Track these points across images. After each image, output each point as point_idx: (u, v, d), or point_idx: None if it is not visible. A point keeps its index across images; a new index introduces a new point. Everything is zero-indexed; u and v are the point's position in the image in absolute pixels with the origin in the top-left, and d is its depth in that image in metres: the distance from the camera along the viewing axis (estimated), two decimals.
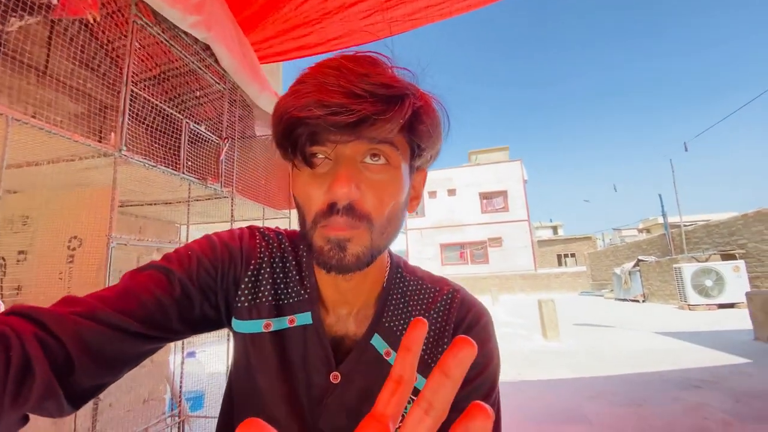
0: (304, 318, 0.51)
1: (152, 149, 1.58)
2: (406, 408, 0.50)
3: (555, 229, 42.66)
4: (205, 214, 2.53)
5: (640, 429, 2.57)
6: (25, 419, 0.35)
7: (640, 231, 32.75)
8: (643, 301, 12.64)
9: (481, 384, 0.50)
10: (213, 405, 2.70)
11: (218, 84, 2.08)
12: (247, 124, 2.75)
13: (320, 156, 0.42)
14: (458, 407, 0.52)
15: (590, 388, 3.51)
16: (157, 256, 2.67)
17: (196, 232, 2.58)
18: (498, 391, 0.53)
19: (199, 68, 1.97)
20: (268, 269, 0.52)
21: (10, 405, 0.32)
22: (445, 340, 0.52)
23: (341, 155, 0.42)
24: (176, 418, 2.79)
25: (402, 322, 0.53)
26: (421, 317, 0.25)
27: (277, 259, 0.53)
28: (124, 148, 1.36)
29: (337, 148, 0.41)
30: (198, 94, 2.06)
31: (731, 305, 8.88)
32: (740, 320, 6.75)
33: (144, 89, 1.97)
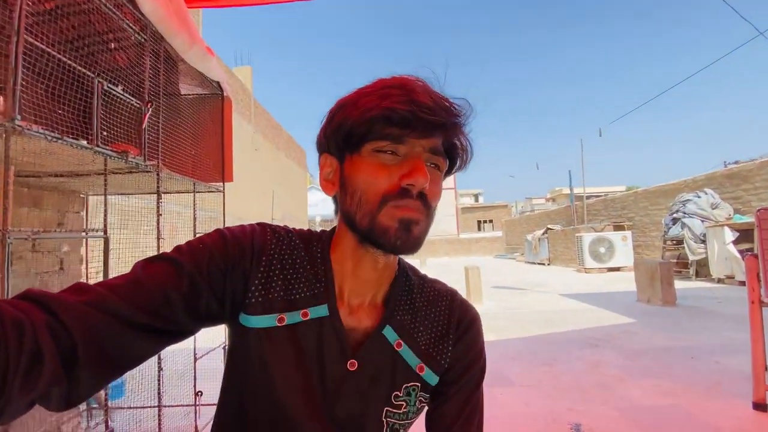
0: (319, 311, 0.53)
1: (56, 116, 1.26)
2: (411, 396, 0.56)
3: (476, 196, 45.52)
4: (122, 187, 2.17)
5: (553, 386, 2.93)
6: (32, 404, 0.36)
7: (548, 200, 36.41)
8: (548, 264, 14.27)
9: (471, 377, 0.58)
10: (136, 392, 2.46)
11: (138, 34, 1.71)
12: (170, 80, 2.36)
13: (389, 151, 0.48)
14: (450, 399, 0.53)
15: (511, 350, 3.90)
16: (67, 248, 2.27)
17: (112, 200, 2.22)
18: (482, 388, 0.61)
19: (111, 11, 1.59)
20: (279, 265, 0.53)
21: (19, 390, 0.33)
22: (450, 337, 0.59)
23: (413, 153, 0.48)
24: (93, 411, 2.52)
25: (410, 317, 0.58)
26: None
27: (287, 256, 0.55)
28: (19, 117, 1.06)
29: (409, 146, 0.48)
30: (113, 45, 1.67)
31: (618, 269, 10.43)
32: (625, 282, 7.96)
33: (34, 26, 1.55)
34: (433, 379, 0.57)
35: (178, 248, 0.49)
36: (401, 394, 0.55)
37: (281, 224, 0.60)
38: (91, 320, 0.38)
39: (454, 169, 0.56)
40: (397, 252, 0.49)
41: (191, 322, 0.47)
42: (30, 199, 2.11)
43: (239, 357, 0.53)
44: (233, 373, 0.54)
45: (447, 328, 0.59)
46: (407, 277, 0.60)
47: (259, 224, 0.56)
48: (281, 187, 14.15)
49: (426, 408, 0.60)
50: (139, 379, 2.41)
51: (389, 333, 0.55)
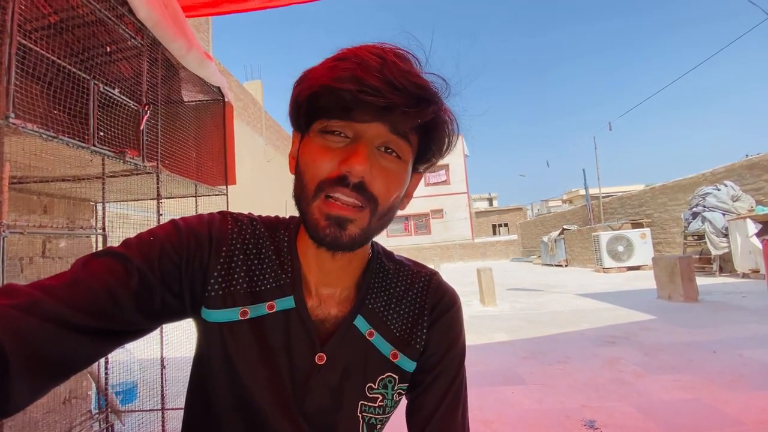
0: (286, 303, 0.50)
1: (52, 116, 1.30)
2: (387, 389, 0.54)
3: (490, 200, 45.11)
4: (126, 192, 2.23)
5: (567, 384, 2.84)
6: None
7: (564, 202, 35.77)
8: (566, 266, 13.95)
9: (449, 363, 0.56)
10: (148, 396, 2.49)
11: (134, 39, 1.77)
12: (173, 87, 2.43)
13: (338, 133, 0.44)
14: (429, 387, 0.50)
15: (524, 350, 3.81)
16: (65, 244, 2.34)
17: (119, 210, 2.28)
18: (464, 371, 0.57)
19: (109, 18, 1.65)
20: (241, 256, 0.51)
21: None
22: (424, 319, 0.56)
23: (361, 136, 0.43)
24: (104, 415, 2.55)
25: (383, 304, 0.55)
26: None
27: (251, 246, 0.52)
28: (12, 114, 1.10)
29: (358, 128, 0.43)
30: (109, 50, 1.74)
31: (638, 267, 10.12)
32: (645, 281, 7.72)
33: (38, 41, 1.62)
34: (409, 366, 0.54)
35: (126, 242, 0.46)
36: (376, 387, 0.53)
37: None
38: (21, 325, 0.35)
39: (428, 155, 0.50)
40: (329, 249, 0.45)
41: (146, 321, 0.44)
42: (39, 206, 2.18)
43: (203, 352, 0.51)
44: (198, 368, 0.52)
45: (421, 310, 0.56)
46: (381, 263, 0.57)
47: (219, 212, 0.53)
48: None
49: (404, 401, 0.57)
50: (149, 384, 2.44)
51: (360, 323, 0.53)
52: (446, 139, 0.48)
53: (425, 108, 0.42)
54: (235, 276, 0.49)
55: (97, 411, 2.51)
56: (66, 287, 0.39)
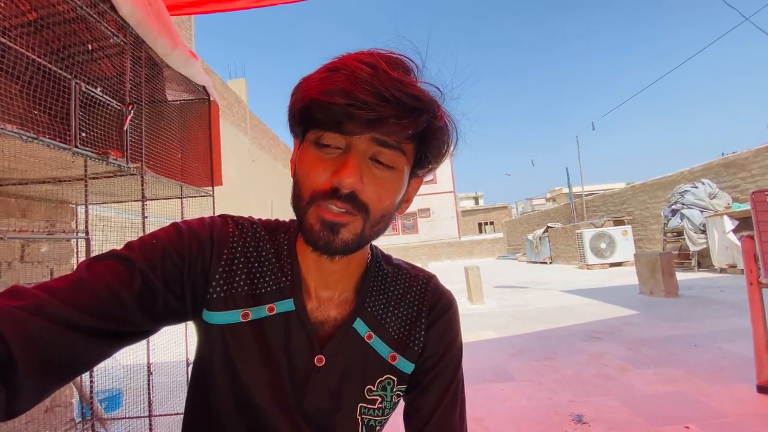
0: (285, 305, 0.51)
1: (32, 116, 1.26)
2: (386, 391, 0.54)
3: (476, 199, 45.56)
4: (109, 194, 2.17)
5: (555, 380, 2.89)
6: None
7: (548, 200, 36.37)
8: (551, 263, 14.19)
9: (447, 363, 0.56)
10: (134, 402, 2.44)
11: (117, 37, 1.72)
12: (157, 86, 2.37)
13: (331, 145, 0.44)
14: (427, 388, 0.50)
15: (512, 346, 3.86)
16: (46, 248, 2.26)
17: (101, 212, 2.22)
18: (462, 372, 0.59)
19: (90, 15, 1.60)
20: (242, 258, 0.51)
21: None
22: (422, 321, 0.57)
23: (352, 146, 0.43)
24: (89, 424, 2.48)
25: (382, 306, 0.56)
26: None
27: (251, 248, 0.52)
28: None
29: (349, 140, 0.43)
30: (91, 48, 1.68)
31: (620, 264, 10.37)
32: (627, 276, 7.91)
33: (17, 38, 1.56)
34: (407, 367, 0.55)
35: (128, 245, 0.46)
36: (375, 389, 0.53)
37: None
38: (28, 327, 0.36)
39: (424, 162, 0.49)
40: (323, 252, 0.46)
41: (149, 322, 0.45)
42: (18, 210, 2.11)
43: (204, 354, 0.51)
44: (199, 370, 0.52)
45: (419, 313, 0.57)
46: (380, 266, 0.58)
47: (220, 216, 0.54)
48: (279, 196, 14.17)
49: (402, 402, 0.58)
50: (135, 390, 2.38)
51: (359, 326, 0.53)
52: (442, 146, 0.48)
53: (417, 117, 0.42)
54: (236, 278, 0.50)
55: (80, 419, 2.44)
56: (71, 289, 0.40)
